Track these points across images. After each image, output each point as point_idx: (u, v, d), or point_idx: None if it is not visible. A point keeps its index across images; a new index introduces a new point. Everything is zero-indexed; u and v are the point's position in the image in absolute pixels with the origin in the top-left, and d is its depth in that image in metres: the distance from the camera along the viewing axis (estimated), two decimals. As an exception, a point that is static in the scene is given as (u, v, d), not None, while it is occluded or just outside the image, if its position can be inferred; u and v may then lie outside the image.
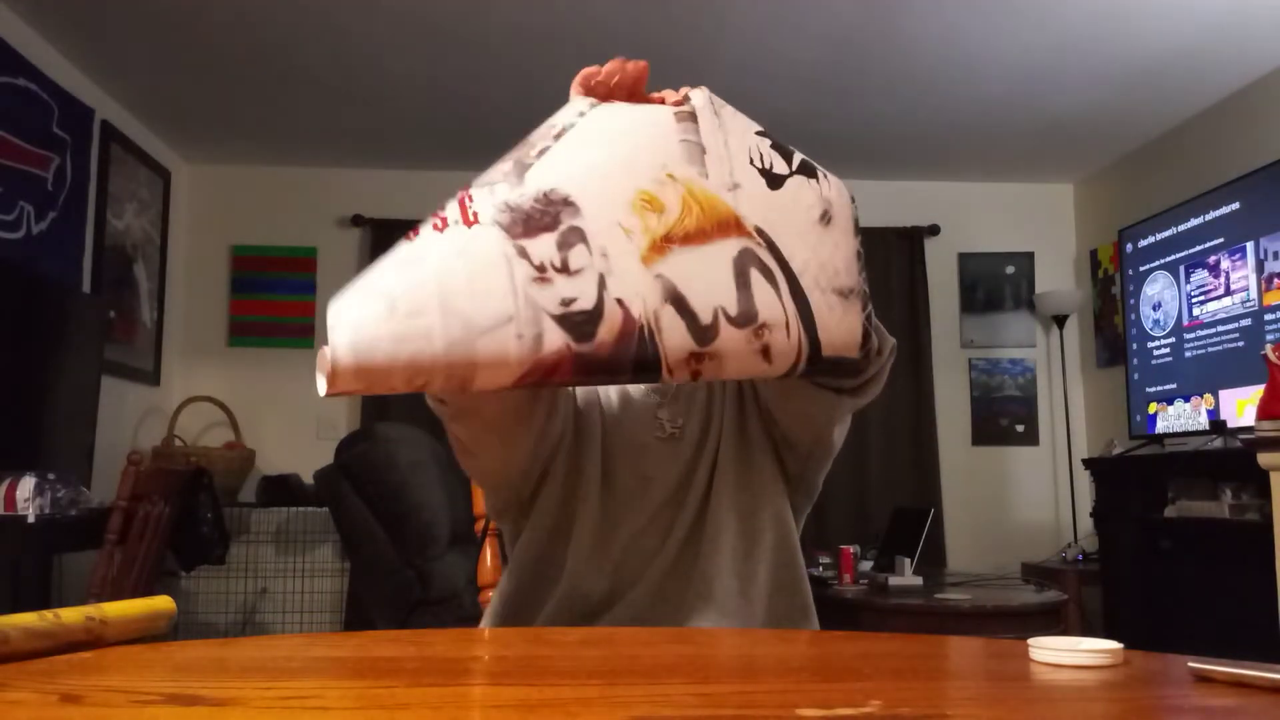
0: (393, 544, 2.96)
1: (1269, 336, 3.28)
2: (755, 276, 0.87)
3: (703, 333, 0.85)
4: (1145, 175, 4.39)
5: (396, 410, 4.20)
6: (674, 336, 0.85)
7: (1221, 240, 3.54)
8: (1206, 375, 3.59)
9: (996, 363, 4.87)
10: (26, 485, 2.49)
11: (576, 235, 0.86)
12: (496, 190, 0.88)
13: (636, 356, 0.85)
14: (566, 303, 0.84)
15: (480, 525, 1.38)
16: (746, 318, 0.86)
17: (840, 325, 0.91)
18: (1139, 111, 4.02)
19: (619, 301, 0.85)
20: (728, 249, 0.88)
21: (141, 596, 0.77)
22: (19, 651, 0.64)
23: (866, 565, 3.55)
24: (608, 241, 0.87)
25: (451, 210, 0.88)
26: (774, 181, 0.94)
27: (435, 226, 0.87)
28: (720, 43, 3.40)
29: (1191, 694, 0.57)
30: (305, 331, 4.48)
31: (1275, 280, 3.28)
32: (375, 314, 0.85)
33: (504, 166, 0.90)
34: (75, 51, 3.48)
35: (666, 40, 3.38)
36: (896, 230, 4.83)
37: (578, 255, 0.85)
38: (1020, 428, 4.83)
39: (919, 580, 3.17)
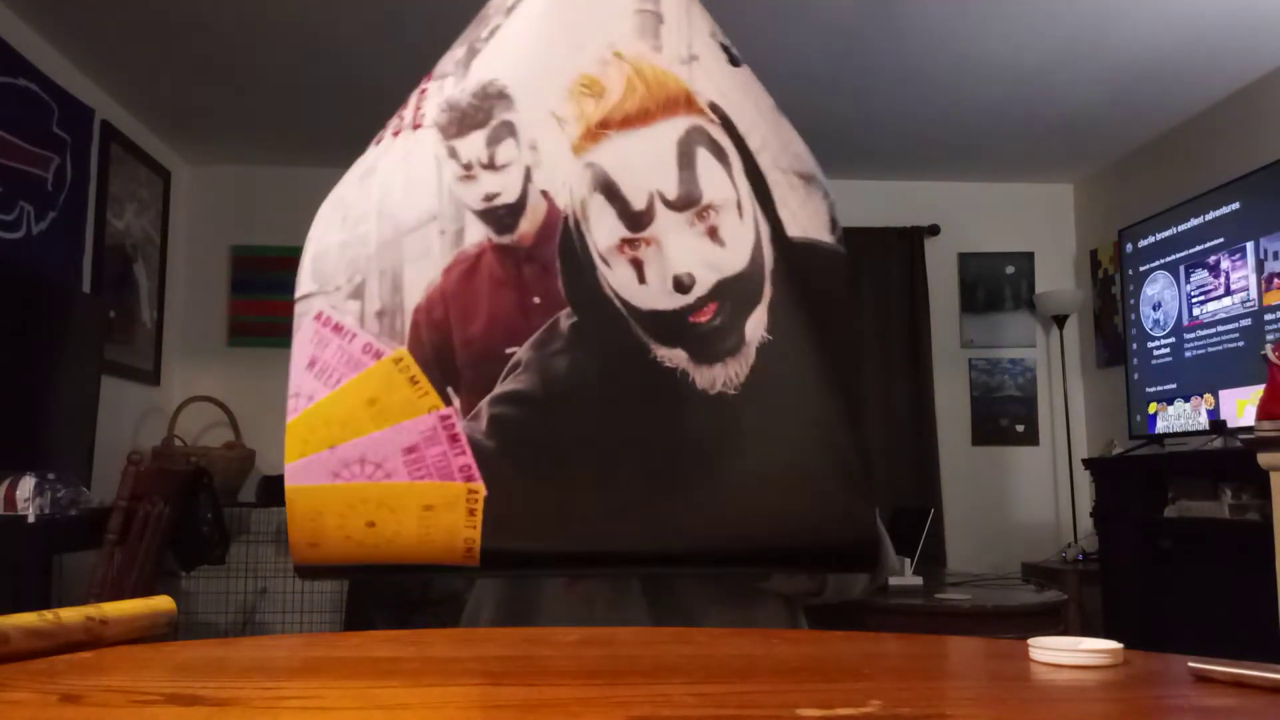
0: (393, 544, 2.96)
1: (1269, 336, 3.28)
2: (702, 155, 0.86)
3: (635, 218, 0.85)
4: (1145, 175, 4.39)
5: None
6: (602, 224, 0.86)
7: (1221, 240, 3.54)
8: (1206, 375, 3.59)
9: (996, 363, 4.88)
10: (26, 485, 2.49)
11: (506, 129, 0.88)
12: (445, 85, 0.92)
13: (562, 246, 0.86)
14: (490, 197, 0.88)
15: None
16: (688, 200, 0.86)
17: (805, 208, 0.88)
18: (1139, 111, 4.02)
19: (544, 193, 0.87)
20: (673, 128, 0.87)
21: (141, 596, 0.77)
22: (19, 651, 0.64)
23: (866, 565, 3.55)
24: (539, 133, 0.88)
25: (409, 110, 0.94)
26: (734, 60, 0.93)
27: (394, 132, 0.94)
28: (720, 43, 3.40)
29: (1191, 694, 0.57)
30: (305, 331, 4.48)
31: (1275, 280, 3.28)
32: (331, 224, 0.94)
33: (458, 53, 0.93)
34: (75, 51, 3.48)
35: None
36: (896, 230, 4.83)
37: (505, 150, 0.88)
38: (1020, 428, 4.83)
39: (919, 580, 3.17)
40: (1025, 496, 4.80)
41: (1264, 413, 2.19)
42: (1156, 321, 3.90)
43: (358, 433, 0.91)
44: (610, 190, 0.86)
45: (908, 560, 3.20)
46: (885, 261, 4.81)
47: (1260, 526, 2.76)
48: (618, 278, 0.87)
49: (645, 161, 0.87)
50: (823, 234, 0.89)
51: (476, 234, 0.88)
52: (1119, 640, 0.66)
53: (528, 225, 0.87)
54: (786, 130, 0.92)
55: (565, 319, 0.88)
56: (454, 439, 0.90)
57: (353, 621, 3.89)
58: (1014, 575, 4.01)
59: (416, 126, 0.92)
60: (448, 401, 0.90)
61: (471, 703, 0.53)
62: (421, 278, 0.90)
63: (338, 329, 0.94)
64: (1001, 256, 4.94)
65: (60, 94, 3.45)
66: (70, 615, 0.68)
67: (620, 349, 0.88)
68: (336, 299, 0.94)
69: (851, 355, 0.92)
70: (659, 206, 0.85)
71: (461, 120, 0.89)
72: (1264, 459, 2.22)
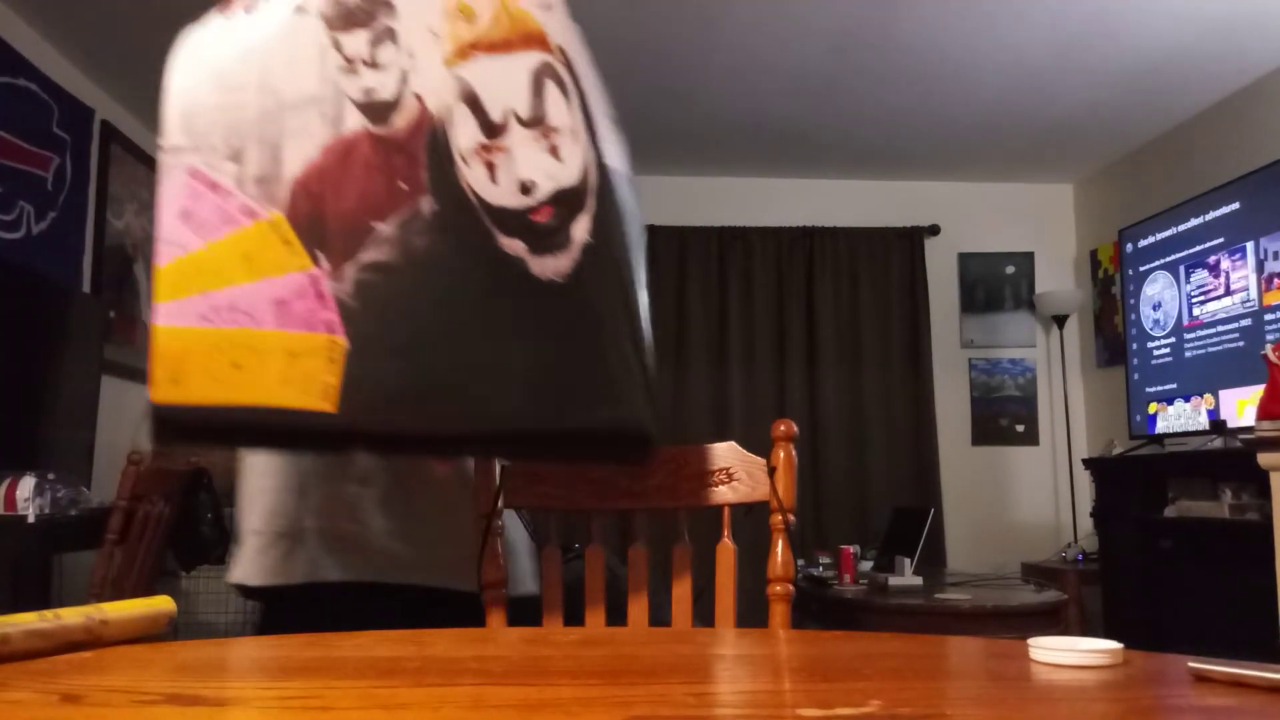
0: (393, 544, 2.95)
1: (1269, 336, 3.28)
2: (550, 87, 1.02)
3: (491, 128, 1.01)
4: (1145, 175, 4.39)
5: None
6: (464, 129, 1.01)
7: (1221, 240, 3.54)
8: (1206, 375, 3.59)
9: (996, 363, 4.88)
10: (26, 485, 2.49)
11: (389, 34, 1.01)
12: None
13: (429, 143, 1.00)
14: (368, 92, 1.01)
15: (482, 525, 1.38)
16: (536, 120, 1.01)
17: (615, 144, 1.06)
18: (1139, 111, 4.02)
19: (417, 95, 1.01)
20: (529, 60, 1.02)
21: (141, 596, 0.77)
22: (19, 651, 0.64)
23: (866, 565, 3.55)
24: (417, 43, 1.01)
25: None
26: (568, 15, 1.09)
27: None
28: (719, 42, 3.40)
29: (1191, 694, 0.57)
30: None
31: (1275, 280, 3.28)
32: (202, 84, 1.05)
33: None
34: (75, 51, 3.48)
35: (664, 40, 3.38)
36: (896, 230, 4.83)
37: (386, 52, 1.01)
38: (1020, 428, 4.83)
39: (919, 580, 3.17)
40: (1025, 496, 4.80)
41: (1264, 413, 2.19)
42: (1156, 321, 3.90)
43: (230, 282, 1.00)
44: (473, 101, 1.00)
45: (908, 560, 3.20)
46: (885, 261, 4.80)
47: (1260, 526, 2.76)
48: (474, 175, 1.01)
49: (504, 83, 1.01)
50: (626, 165, 1.07)
51: (354, 122, 1.01)
52: (1119, 640, 0.66)
53: (401, 121, 1.01)
54: (597, 83, 1.09)
55: (426, 204, 1.02)
56: (321, 296, 1.01)
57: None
58: (1014, 575, 4.01)
59: (299, 9, 1.02)
60: (317, 264, 1.01)
61: (471, 703, 0.53)
62: (301, 153, 1.01)
63: (214, 186, 1.02)
64: (1001, 256, 4.94)
65: (60, 94, 3.45)
66: (70, 615, 0.68)
67: (471, 235, 1.03)
68: (212, 158, 1.03)
69: (641, 263, 1.10)
70: (512, 122, 1.01)
71: (348, 17, 1.01)
72: (1264, 459, 2.21)
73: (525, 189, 1.02)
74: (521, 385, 1.02)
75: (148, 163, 4.18)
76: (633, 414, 1.05)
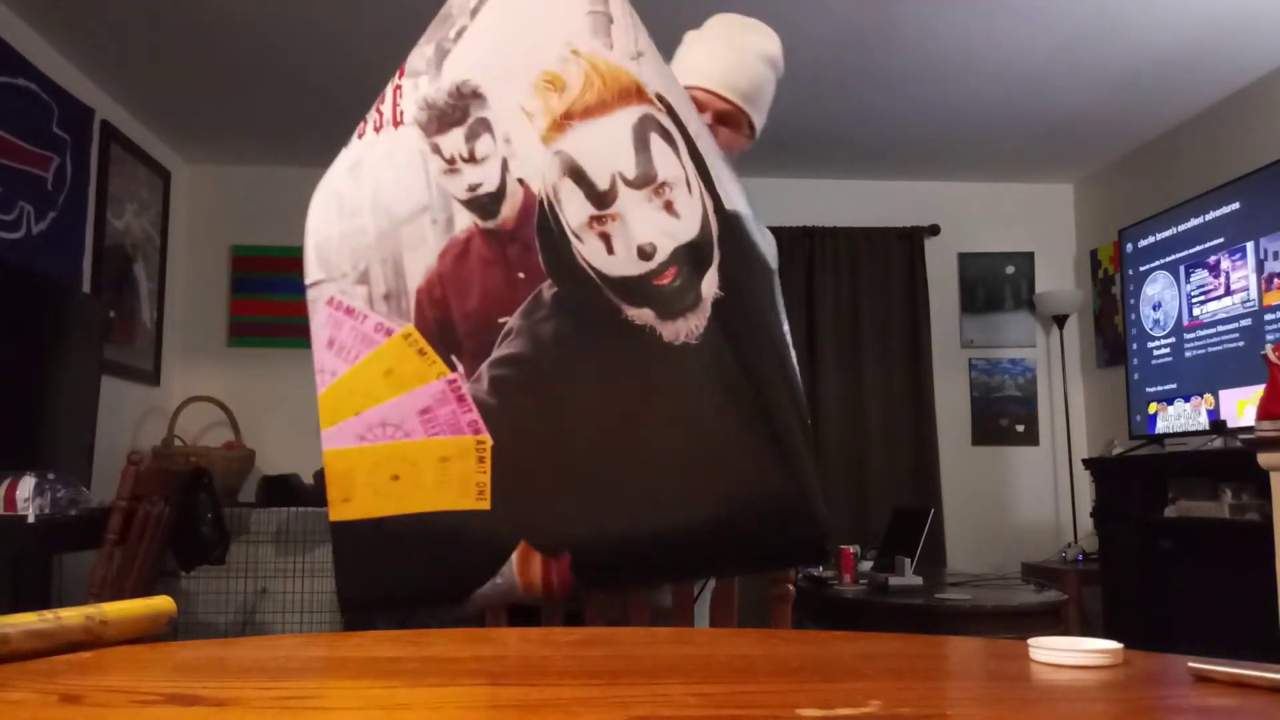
0: (393, 544, 2.95)
1: (1269, 336, 3.28)
2: (655, 139, 0.99)
3: (600, 197, 0.99)
4: (1145, 175, 4.39)
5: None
6: (572, 204, 0.99)
7: (1221, 240, 3.54)
8: (1206, 375, 3.59)
9: (996, 363, 4.88)
10: (26, 485, 2.49)
11: (482, 125, 1.00)
12: (420, 84, 1.04)
13: (540, 227, 1.00)
14: (473, 188, 1.01)
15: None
16: (645, 178, 0.99)
17: (733, 184, 1.03)
18: (1139, 111, 4.02)
19: (520, 180, 1.00)
20: (628, 116, 0.99)
21: (141, 596, 0.77)
22: (19, 651, 0.64)
23: (866, 565, 3.55)
24: (511, 127, 1.00)
25: (387, 106, 1.05)
26: (664, 57, 1.07)
27: (375, 126, 1.05)
28: (720, 43, 3.40)
29: (1191, 694, 0.57)
30: (305, 331, 4.43)
31: (1275, 280, 3.28)
32: (328, 216, 1.06)
33: (428, 51, 1.07)
34: (75, 51, 3.48)
35: (665, 41, 3.38)
36: (896, 230, 4.83)
37: (483, 144, 1.00)
38: (1020, 428, 4.83)
39: (919, 580, 3.17)
40: (1025, 496, 4.80)
41: (1264, 413, 2.19)
42: (1156, 321, 3.90)
43: (378, 400, 1.03)
44: (577, 174, 0.98)
45: (908, 560, 3.20)
46: (885, 261, 4.80)
47: (1260, 526, 2.76)
48: (590, 250, 1.00)
49: (606, 147, 0.99)
50: (746, 206, 1.04)
51: (464, 221, 1.01)
52: (1119, 640, 0.66)
53: (508, 210, 0.99)
54: (699, 119, 1.06)
55: (547, 290, 1.02)
56: (461, 399, 1.02)
57: (353, 621, 3.89)
58: (1014, 575, 4.01)
59: (397, 124, 1.02)
60: (453, 368, 1.03)
61: (471, 703, 0.53)
62: (420, 263, 1.01)
63: (349, 311, 1.05)
64: (1001, 256, 4.94)
65: (60, 94, 3.45)
66: (70, 615, 0.68)
67: (596, 312, 1.01)
68: (344, 285, 1.05)
69: (777, 310, 1.06)
70: (620, 186, 0.98)
71: (441, 118, 1.01)
72: (1264, 459, 2.21)
73: (644, 254, 1.00)
74: (671, 458, 0.98)
75: (148, 163, 4.19)
76: (798, 479, 0.99)
